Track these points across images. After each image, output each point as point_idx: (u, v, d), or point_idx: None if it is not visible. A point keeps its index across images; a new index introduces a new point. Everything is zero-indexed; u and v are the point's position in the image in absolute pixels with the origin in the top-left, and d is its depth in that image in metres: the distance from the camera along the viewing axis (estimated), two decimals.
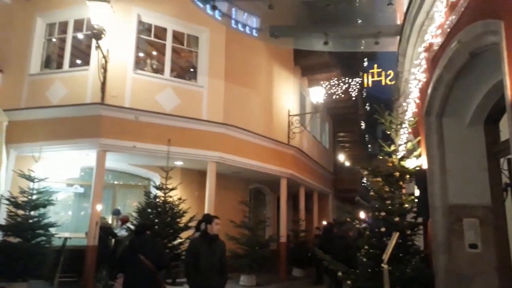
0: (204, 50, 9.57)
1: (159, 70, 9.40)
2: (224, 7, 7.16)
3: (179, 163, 9.35)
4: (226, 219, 8.20)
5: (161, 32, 9.29)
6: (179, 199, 8.20)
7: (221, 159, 9.13)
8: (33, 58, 8.77)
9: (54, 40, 9.20)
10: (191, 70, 10.16)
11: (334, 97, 14.09)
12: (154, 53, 10.23)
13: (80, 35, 9.01)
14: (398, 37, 6.35)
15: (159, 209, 7.83)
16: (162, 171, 8.23)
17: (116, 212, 8.89)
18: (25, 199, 7.26)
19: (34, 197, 7.34)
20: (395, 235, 4.10)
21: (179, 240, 7.86)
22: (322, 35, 7.59)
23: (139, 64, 9.12)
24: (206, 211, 8.68)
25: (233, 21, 7.17)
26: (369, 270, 4.62)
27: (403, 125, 5.26)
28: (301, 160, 12.55)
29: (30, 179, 7.44)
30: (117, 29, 8.38)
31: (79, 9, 8.49)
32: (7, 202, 7.32)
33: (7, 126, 7.68)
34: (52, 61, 9.09)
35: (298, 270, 11.20)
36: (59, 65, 8.94)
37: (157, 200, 7.97)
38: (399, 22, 7.39)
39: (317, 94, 12.09)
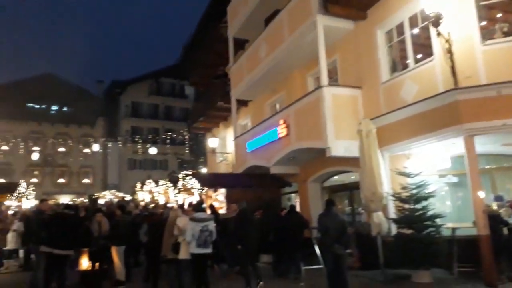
0: None
1: (511, 32, 8.07)
2: None
3: None
4: None
5: None
6: None
7: None
8: (381, 68, 9.70)
9: (393, 44, 9.81)
10: None
11: None
12: (499, 15, 8.88)
13: (416, 30, 9.16)
14: None
15: None
16: None
17: (498, 199, 8.17)
18: (406, 193, 7.95)
19: (414, 191, 7.89)
20: None
21: None
22: None
23: (485, 34, 8.17)
24: None
25: None
26: None
27: None
28: None
29: (406, 175, 8.12)
30: (451, 7, 7.91)
31: (409, 6, 8.76)
32: (392, 198, 8.33)
33: (376, 132, 8.77)
34: (397, 64, 9.71)
35: None
36: (404, 66, 9.41)
37: None
38: None
39: None
